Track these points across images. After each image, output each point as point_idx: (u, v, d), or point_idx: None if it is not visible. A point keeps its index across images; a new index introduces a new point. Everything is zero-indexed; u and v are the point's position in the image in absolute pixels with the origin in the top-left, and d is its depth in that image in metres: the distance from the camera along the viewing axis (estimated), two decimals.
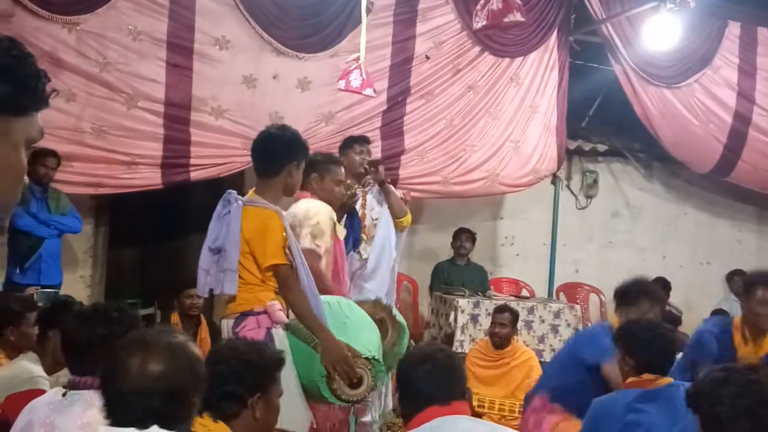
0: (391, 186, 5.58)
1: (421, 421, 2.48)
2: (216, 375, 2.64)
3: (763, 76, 8.55)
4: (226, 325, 3.71)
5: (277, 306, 3.62)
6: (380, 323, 4.21)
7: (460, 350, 6.94)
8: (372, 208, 5.48)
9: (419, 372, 2.59)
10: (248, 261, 3.64)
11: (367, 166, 5.45)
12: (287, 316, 3.72)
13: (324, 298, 3.91)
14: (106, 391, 1.94)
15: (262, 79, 7.02)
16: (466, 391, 2.68)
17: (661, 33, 7.52)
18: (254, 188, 3.92)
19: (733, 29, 8.48)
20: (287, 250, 3.65)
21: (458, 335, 7.11)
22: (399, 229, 5.65)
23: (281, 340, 3.59)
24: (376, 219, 5.44)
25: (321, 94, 7.16)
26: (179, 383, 1.91)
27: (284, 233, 3.65)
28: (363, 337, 3.80)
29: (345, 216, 5.15)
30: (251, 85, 6.99)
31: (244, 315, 3.62)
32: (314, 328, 3.61)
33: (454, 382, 2.56)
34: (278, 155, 3.88)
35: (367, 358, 3.69)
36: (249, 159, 6.92)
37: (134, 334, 2.05)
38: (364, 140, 5.67)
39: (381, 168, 5.56)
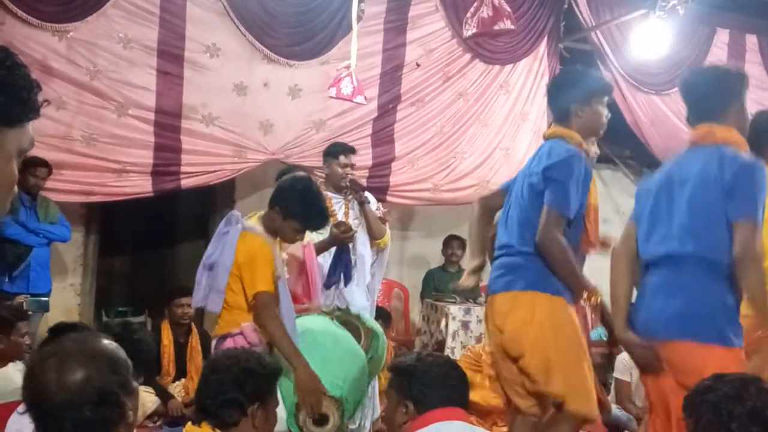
0: (371, 206, 5.53)
1: (421, 425, 2.48)
2: (216, 383, 2.65)
3: (752, 82, 8.54)
4: (213, 346, 3.86)
5: (251, 327, 3.67)
6: (353, 329, 4.25)
7: (451, 357, 6.94)
8: (355, 217, 5.45)
9: (425, 376, 2.59)
10: (237, 285, 3.71)
11: (349, 184, 5.41)
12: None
13: (311, 325, 3.97)
14: (31, 411, 1.79)
15: (252, 87, 7.02)
16: (468, 399, 2.68)
17: (650, 40, 7.56)
18: (260, 213, 3.98)
19: (722, 36, 8.54)
20: (274, 280, 3.73)
21: (449, 342, 7.10)
22: (377, 249, 5.60)
23: None
24: (356, 231, 5.39)
25: (312, 101, 7.17)
26: (105, 386, 1.75)
27: (273, 264, 3.73)
28: (340, 372, 3.83)
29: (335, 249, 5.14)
30: (242, 93, 6.99)
31: (223, 338, 3.72)
32: (290, 355, 3.64)
33: (458, 388, 2.57)
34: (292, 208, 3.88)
35: (335, 398, 3.70)
36: (240, 167, 7.01)
37: (45, 347, 1.86)
38: (350, 151, 5.62)
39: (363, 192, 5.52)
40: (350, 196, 5.44)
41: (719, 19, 8.45)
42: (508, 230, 3.74)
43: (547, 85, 4.21)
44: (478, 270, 3.94)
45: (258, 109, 7.05)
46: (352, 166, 5.57)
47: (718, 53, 8.46)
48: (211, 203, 7.87)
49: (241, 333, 3.65)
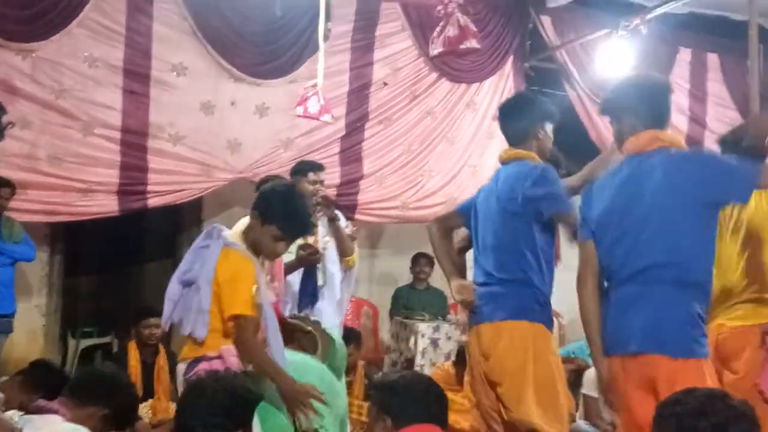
0: (341, 224, 5.53)
1: None
2: (202, 407, 2.62)
3: (714, 101, 8.73)
4: (180, 370, 3.53)
5: (231, 351, 3.41)
6: (309, 336, 4.22)
7: None
8: (324, 236, 5.45)
9: (404, 393, 2.59)
10: (215, 305, 3.43)
11: (320, 200, 5.40)
12: None
13: (296, 359, 3.87)
14: None
15: (219, 106, 7.02)
16: (446, 417, 2.69)
17: (613, 59, 7.65)
18: (243, 229, 3.67)
19: (684, 55, 8.67)
20: (256, 302, 3.47)
21: (419, 360, 7.11)
22: (346, 267, 5.59)
23: None
24: (325, 249, 5.39)
25: (279, 120, 7.17)
26: None
27: (255, 285, 3.46)
28: (323, 409, 3.77)
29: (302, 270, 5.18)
30: (209, 112, 6.98)
31: (197, 360, 3.43)
32: (272, 374, 3.41)
33: (436, 407, 2.58)
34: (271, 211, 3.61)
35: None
36: (207, 186, 6.99)
37: None
38: (319, 168, 5.61)
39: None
40: (320, 213, 5.43)
41: (681, 38, 8.58)
42: (484, 257, 3.82)
43: (501, 108, 4.22)
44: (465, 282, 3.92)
45: (225, 127, 7.04)
46: (322, 183, 5.56)
47: (681, 72, 8.59)
48: (178, 222, 7.83)
49: (220, 357, 3.38)
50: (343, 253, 5.46)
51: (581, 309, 3.33)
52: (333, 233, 5.42)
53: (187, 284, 3.50)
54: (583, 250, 3.34)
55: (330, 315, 5.32)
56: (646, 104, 3.27)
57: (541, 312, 3.71)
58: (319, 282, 5.37)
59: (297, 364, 3.75)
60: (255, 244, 3.56)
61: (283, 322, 4.26)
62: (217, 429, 2.59)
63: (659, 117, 3.27)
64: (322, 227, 5.44)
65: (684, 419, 2.36)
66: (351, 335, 6.14)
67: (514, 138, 3.95)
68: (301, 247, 5.12)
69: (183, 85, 6.88)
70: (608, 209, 3.26)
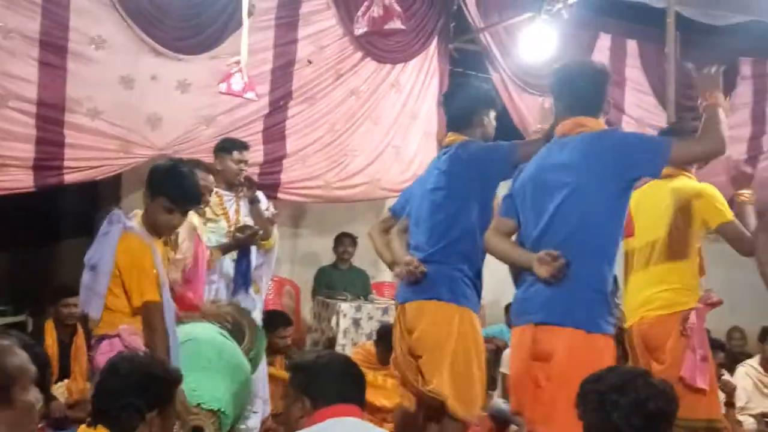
0: (261, 206, 5.48)
1: (316, 420, 2.50)
2: (117, 387, 2.59)
3: (632, 86, 8.92)
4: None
5: (130, 330, 3.50)
6: (239, 327, 4.23)
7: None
8: (246, 215, 5.41)
9: (322, 373, 2.60)
10: (118, 288, 3.54)
11: (243, 180, 5.36)
12: None
13: (198, 333, 3.89)
14: None
15: (139, 80, 6.86)
16: (363, 397, 2.70)
17: (536, 43, 7.75)
18: (143, 211, 3.76)
19: (604, 41, 8.83)
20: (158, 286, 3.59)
21: (340, 339, 7.14)
22: (263, 251, 5.56)
23: None
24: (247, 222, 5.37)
25: (201, 96, 7.06)
26: None
27: (155, 270, 3.58)
28: (220, 384, 3.78)
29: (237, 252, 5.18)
30: (128, 86, 6.83)
31: (100, 339, 3.55)
32: None
33: (354, 386, 2.59)
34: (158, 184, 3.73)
35: (213, 410, 3.66)
36: (126, 162, 6.85)
37: None
38: (243, 147, 5.57)
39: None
40: (242, 194, 5.39)
41: (602, 24, 8.73)
42: (415, 238, 3.90)
43: (445, 93, 4.30)
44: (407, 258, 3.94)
45: (145, 103, 6.90)
46: (246, 162, 5.52)
47: (601, 57, 8.71)
48: (96, 199, 7.67)
49: (118, 335, 3.48)
50: (261, 237, 5.40)
51: (496, 253, 3.45)
52: (252, 216, 5.38)
53: (91, 269, 3.60)
54: (497, 221, 3.50)
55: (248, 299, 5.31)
56: (576, 91, 3.38)
57: (470, 296, 3.78)
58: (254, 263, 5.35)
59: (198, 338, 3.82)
60: (152, 223, 3.66)
61: (199, 309, 4.28)
62: (129, 410, 2.57)
63: (588, 104, 3.37)
64: (243, 207, 5.40)
65: (605, 395, 2.43)
66: (281, 318, 6.13)
67: (457, 123, 3.99)
68: (238, 230, 5.14)
69: (102, 59, 6.70)
70: (524, 186, 3.41)
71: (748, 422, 6.28)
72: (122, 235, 3.55)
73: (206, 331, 4.14)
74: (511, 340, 3.49)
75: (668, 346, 3.94)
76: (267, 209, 5.53)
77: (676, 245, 3.98)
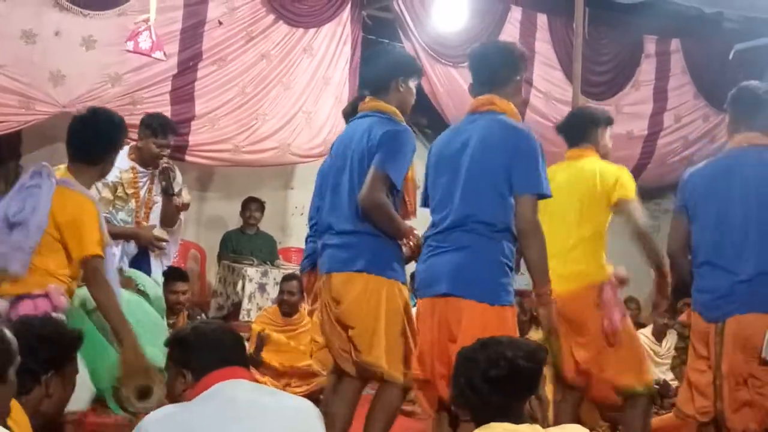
0: (176, 187, 5.17)
1: (202, 389, 2.48)
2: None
3: (541, 60, 9.05)
4: (4, 306, 3.41)
5: (59, 290, 3.38)
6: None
7: (246, 319, 6.97)
8: (157, 194, 5.19)
9: (198, 343, 2.58)
10: (48, 247, 3.41)
11: (162, 169, 5.06)
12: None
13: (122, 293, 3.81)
14: None
15: (42, 35, 6.64)
16: (246, 359, 2.70)
17: (448, 13, 7.80)
18: (67, 167, 3.65)
19: (515, 14, 8.91)
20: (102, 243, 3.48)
21: (245, 304, 7.13)
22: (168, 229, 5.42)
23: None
24: (151, 208, 5.20)
25: (107, 54, 6.87)
26: None
27: (99, 224, 3.47)
28: (157, 340, 3.72)
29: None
30: (30, 41, 6.60)
31: (20, 298, 3.37)
32: (119, 326, 3.43)
33: (234, 350, 2.58)
34: (99, 146, 3.68)
35: (159, 369, 3.61)
36: (27, 119, 6.64)
37: None
38: (172, 131, 5.25)
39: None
40: (159, 178, 5.16)
41: None
42: (338, 212, 3.82)
43: (364, 56, 4.28)
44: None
45: (48, 59, 6.68)
46: (169, 146, 5.20)
47: (511, 30, 8.83)
48: None
49: (47, 295, 3.34)
50: (164, 224, 5.23)
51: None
52: (162, 203, 5.20)
53: (14, 226, 3.42)
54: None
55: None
56: (488, 69, 3.56)
57: (396, 267, 3.76)
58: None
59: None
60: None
61: None
62: (21, 373, 2.52)
63: (500, 83, 3.54)
64: (155, 185, 5.17)
65: (459, 363, 2.56)
66: (176, 273, 6.01)
67: (373, 87, 3.97)
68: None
69: (2, 11, 6.47)
70: (436, 164, 3.57)
71: None
72: (57, 190, 3.43)
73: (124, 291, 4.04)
74: (418, 310, 3.59)
75: (585, 318, 4.01)
76: (178, 193, 5.29)
77: (586, 222, 4.10)
